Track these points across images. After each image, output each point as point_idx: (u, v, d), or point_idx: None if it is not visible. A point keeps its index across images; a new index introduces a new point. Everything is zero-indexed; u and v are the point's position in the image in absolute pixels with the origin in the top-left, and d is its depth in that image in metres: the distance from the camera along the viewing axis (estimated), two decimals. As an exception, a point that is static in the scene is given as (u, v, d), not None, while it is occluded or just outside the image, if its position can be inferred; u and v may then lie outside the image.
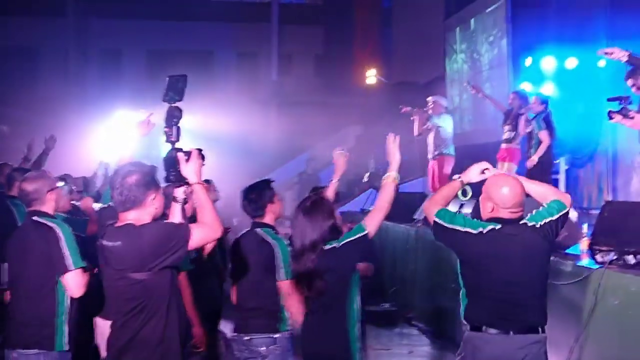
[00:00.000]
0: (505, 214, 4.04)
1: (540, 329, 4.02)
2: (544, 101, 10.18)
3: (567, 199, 4.15)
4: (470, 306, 4.12)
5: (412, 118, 11.86)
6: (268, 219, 5.05)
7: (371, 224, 4.31)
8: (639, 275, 5.16)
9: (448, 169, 11.22)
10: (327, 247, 4.25)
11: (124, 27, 22.20)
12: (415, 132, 11.83)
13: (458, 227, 4.04)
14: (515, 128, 10.33)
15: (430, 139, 11.47)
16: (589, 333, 5.51)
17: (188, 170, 3.80)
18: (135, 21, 22.31)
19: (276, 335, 4.85)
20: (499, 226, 4.00)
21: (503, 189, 4.05)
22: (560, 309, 5.65)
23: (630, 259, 5.37)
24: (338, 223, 4.41)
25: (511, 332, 3.97)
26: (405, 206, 11.15)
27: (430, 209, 4.21)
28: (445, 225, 4.08)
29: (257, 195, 5.05)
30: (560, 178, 10.95)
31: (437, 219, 4.12)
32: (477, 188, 4.29)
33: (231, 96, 20.48)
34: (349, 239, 4.28)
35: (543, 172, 9.63)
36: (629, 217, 5.55)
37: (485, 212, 4.12)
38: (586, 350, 5.54)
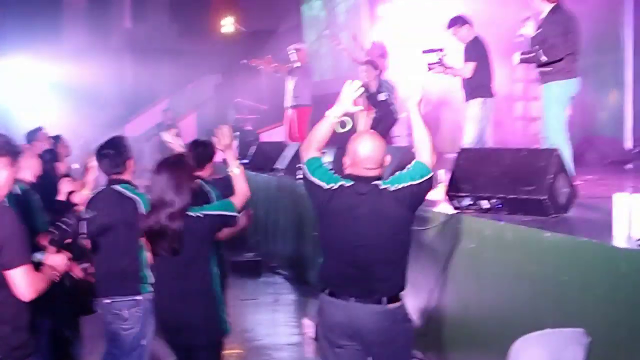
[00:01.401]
0: (359, 170, 3.95)
1: (385, 300, 3.88)
2: (382, 53, 10.02)
3: (433, 162, 3.97)
4: (322, 266, 4.07)
5: (259, 67, 11.94)
6: (127, 175, 4.90)
7: (238, 205, 4.33)
8: (493, 220, 5.38)
9: (306, 120, 11.27)
10: (191, 213, 4.15)
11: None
12: (273, 70, 11.88)
13: (315, 180, 3.98)
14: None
15: (290, 87, 11.44)
16: (448, 276, 5.72)
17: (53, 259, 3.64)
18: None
19: (138, 297, 4.70)
20: (349, 183, 3.92)
21: (358, 143, 3.98)
22: (420, 254, 5.80)
23: (485, 204, 5.55)
24: (196, 188, 4.34)
25: (352, 299, 3.88)
26: (265, 155, 11.16)
27: (303, 153, 4.12)
28: (307, 175, 4.03)
29: (115, 150, 4.88)
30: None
31: (304, 167, 4.06)
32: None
33: (82, 44, 19.61)
34: (215, 212, 4.23)
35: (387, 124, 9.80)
36: (483, 164, 5.73)
37: (344, 168, 4.07)
38: (446, 292, 5.76)
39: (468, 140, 7.46)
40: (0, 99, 17.48)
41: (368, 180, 3.93)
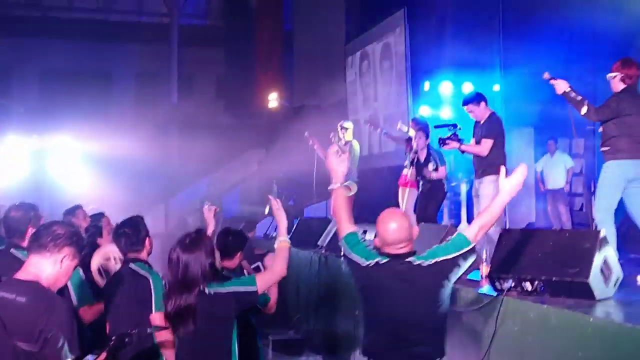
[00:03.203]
0: (389, 249, 4.08)
1: None
2: (426, 132, 9.72)
3: (478, 236, 4.13)
4: (364, 336, 4.18)
5: (311, 144, 11.97)
6: (144, 253, 4.98)
7: (262, 284, 4.29)
8: (537, 302, 5.26)
9: (352, 196, 11.23)
10: (210, 290, 4.13)
11: (15, 44, 21.13)
12: (322, 156, 11.82)
13: (354, 256, 4.11)
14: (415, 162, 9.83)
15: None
16: (491, 359, 5.58)
17: None
18: (27, 39, 21.20)
19: None
20: (384, 260, 4.04)
21: (385, 225, 4.10)
22: (461, 335, 5.71)
23: (528, 286, 5.45)
24: (217, 264, 4.33)
25: None
26: (308, 231, 11.12)
27: (340, 230, 4.29)
28: (346, 251, 4.17)
29: (134, 229, 4.98)
30: (462, 199, 11.12)
31: (343, 243, 4.21)
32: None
33: (130, 119, 20.06)
34: (236, 289, 4.18)
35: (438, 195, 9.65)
36: (525, 245, 5.65)
37: (376, 244, 4.19)
38: (488, 376, 5.61)
39: None
40: (48, 176, 17.83)
41: (401, 257, 4.04)
